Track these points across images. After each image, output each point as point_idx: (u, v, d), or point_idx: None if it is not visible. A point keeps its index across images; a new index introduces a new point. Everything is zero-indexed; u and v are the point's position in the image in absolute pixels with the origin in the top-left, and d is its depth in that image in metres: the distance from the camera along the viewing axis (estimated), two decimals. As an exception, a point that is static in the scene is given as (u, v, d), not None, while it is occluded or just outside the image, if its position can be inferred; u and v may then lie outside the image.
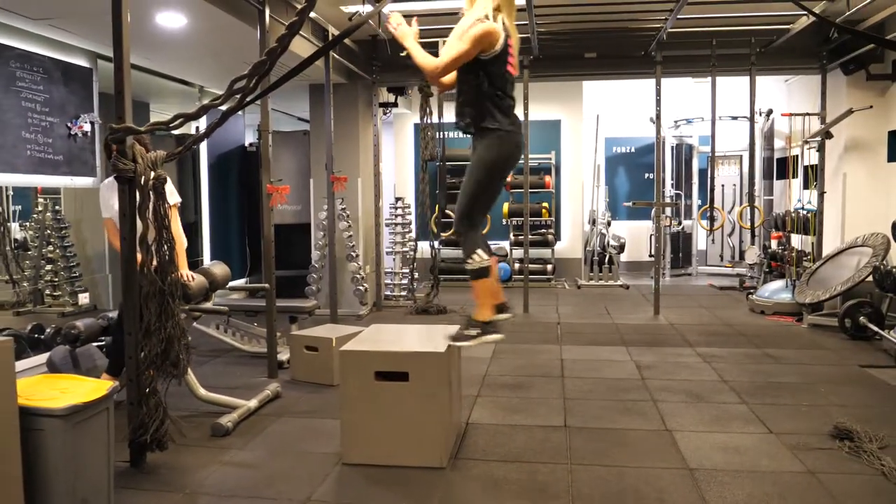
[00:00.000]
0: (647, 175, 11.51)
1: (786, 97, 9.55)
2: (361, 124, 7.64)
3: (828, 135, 7.01)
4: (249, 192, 8.75)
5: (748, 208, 7.46)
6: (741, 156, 10.84)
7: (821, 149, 7.23)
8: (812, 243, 7.39)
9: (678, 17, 5.85)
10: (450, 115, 7.55)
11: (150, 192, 3.10)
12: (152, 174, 3.11)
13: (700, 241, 11.23)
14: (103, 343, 4.41)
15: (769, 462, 3.34)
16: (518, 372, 5.04)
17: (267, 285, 4.42)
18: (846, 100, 7.06)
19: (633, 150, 11.47)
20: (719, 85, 10.35)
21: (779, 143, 10.02)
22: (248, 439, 3.69)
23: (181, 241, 3.91)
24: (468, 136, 3.32)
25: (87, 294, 6.14)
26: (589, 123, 10.59)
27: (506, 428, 3.83)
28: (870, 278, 6.19)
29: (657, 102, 7.07)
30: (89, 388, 2.53)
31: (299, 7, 5.56)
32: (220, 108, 3.14)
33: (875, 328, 5.77)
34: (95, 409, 2.47)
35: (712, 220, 7.25)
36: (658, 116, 7.11)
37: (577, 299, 8.57)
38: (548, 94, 9.52)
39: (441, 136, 7.34)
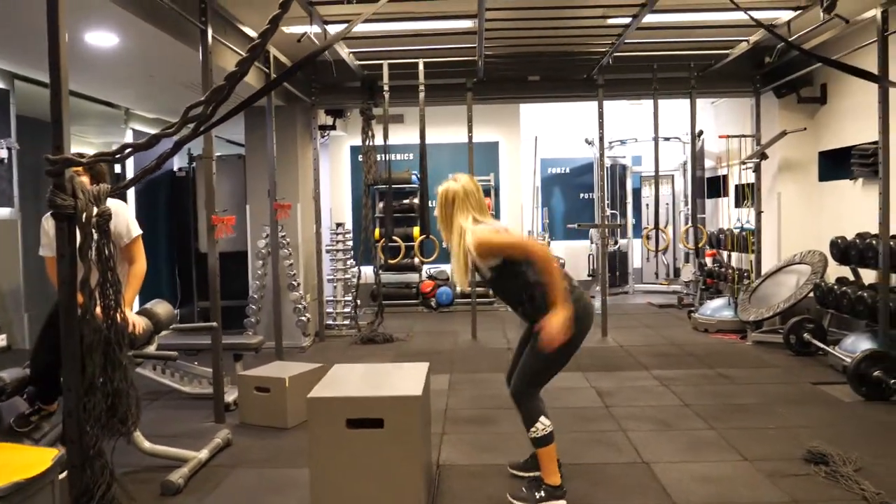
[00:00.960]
0: (581, 195, 11.62)
1: (713, 119, 9.82)
2: (300, 148, 7.37)
3: (763, 156, 7.20)
4: (179, 220, 8.31)
5: (691, 228, 7.55)
6: (672, 175, 11.09)
7: (756, 169, 7.41)
8: (750, 261, 7.54)
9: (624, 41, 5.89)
10: (393, 136, 7.41)
11: (94, 230, 2.79)
12: (95, 210, 2.80)
13: (636, 259, 11.39)
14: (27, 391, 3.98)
15: (750, 492, 3.27)
16: (479, 404, 4.86)
17: (215, 324, 4.10)
18: (778, 122, 7.28)
19: (567, 170, 11.57)
20: (651, 108, 10.66)
21: (709, 163, 10.28)
22: (201, 496, 3.37)
23: (139, 277, 3.62)
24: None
25: (2, 336, 5.62)
26: (526, 145, 10.60)
27: (479, 468, 3.64)
28: (811, 295, 6.35)
29: (599, 125, 7.11)
30: (28, 460, 2.20)
31: (240, 27, 5.32)
32: (172, 136, 2.86)
33: (819, 344, 5.89)
34: (40, 484, 2.15)
35: (658, 240, 7.30)
36: (601, 139, 7.16)
37: (512, 320, 8.46)
38: (486, 116, 9.46)
39: (386, 159, 7.13)
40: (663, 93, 7.08)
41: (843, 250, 6.00)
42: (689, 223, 10.09)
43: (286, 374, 4.38)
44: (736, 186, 9.18)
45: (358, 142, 10.02)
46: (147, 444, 3.57)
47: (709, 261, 9.43)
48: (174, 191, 8.17)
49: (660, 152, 10.93)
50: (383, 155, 7.33)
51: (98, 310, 2.85)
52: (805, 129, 7.04)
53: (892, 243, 5.46)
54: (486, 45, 5.93)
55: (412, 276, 9.75)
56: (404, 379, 3.28)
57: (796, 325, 6.13)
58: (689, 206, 10.42)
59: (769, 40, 6.21)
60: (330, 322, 7.76)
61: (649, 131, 10.64)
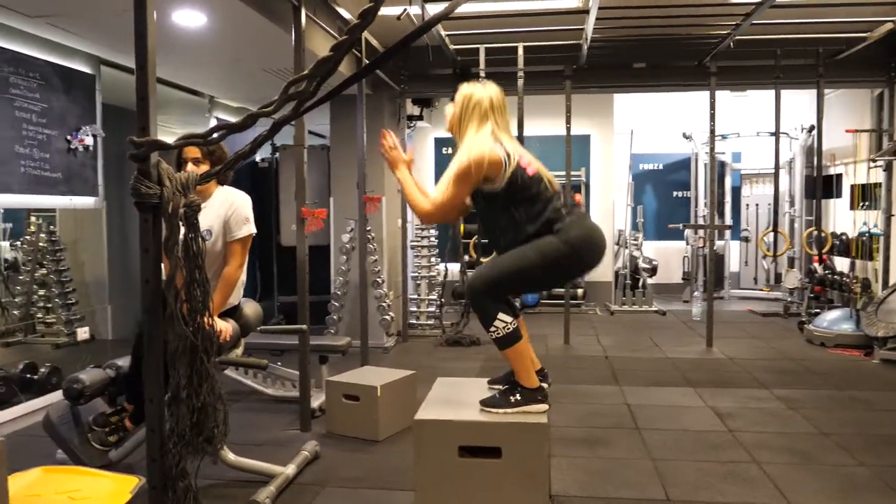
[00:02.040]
0: (675, 193, 10.95)
1: (825, 112, 8.99)
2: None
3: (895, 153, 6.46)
4: (260, 213, 8.11)
5: (814, 232, 6.84)
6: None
7: (888, 168, 6.66)
8: (875, 269, 6.80)
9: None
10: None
11: (181, 223, 2.46)
12: (183, 200, 2.48)
13: (733, 262, 10.65)
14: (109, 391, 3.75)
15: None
16: (585, 422, 4.39)
17: (304, 326, 3.78)
18: (912, 114, 6.52)
19: (660, 167, 10.91)
20: (756, 99, 9.91)
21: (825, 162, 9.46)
22: (290, 520, 3.05)
23: (232, 281, 3.31)
24: None
25: (86, 328, 5.48)
26: (619, 139, 10.01)
27: (598, 501, 3.19)
28: (956, 310, 5.62)
29: (711, 117, 6.50)
30: (107, 490, 1.89)
31: (334, 6, 4.99)
32: (270, 116, 2.51)
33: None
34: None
35: (776, 243, 6.64)
36: (712, 132, 6.54)
37: (614, 327, 7.95)
38: (577, 107, 8.90)
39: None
40: (786, 82, 6.40)
41: None
42: (811, 226, 9.41)
43: (378, 383, 4.02)
44: (852, 186, 8.40)
45: (442, 133, 9.77)
46: (231, 456, 3.26)
47: (819, 267, 8.67)
48: (256, 183, 7.96)
49: (762, 148, 10.29)
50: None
51: (184, 313, 2.53)
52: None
53: None
54: (595, 27, 5.41)
55: (495, 275, 9.31)
56: (520, 400, 2.86)
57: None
58: (796, 208, 9.69)
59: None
60: (413, 321, 7.41)
61: (752, 125, 9.99)
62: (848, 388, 5.17)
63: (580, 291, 9.14)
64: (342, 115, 6.71)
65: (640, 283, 9.45)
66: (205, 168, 3.29)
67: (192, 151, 3.33)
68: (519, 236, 2.80)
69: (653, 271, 9.71)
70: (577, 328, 7.65)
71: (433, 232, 7.65)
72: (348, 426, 4.05)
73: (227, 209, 3.38)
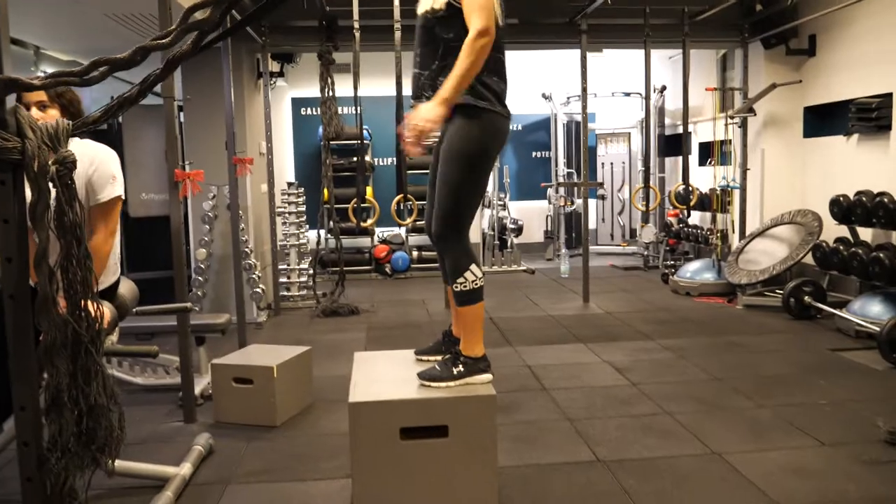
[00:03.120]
0: (534, 153, 11.09)
1: (671, 74, 9.42)
2: (247, 97, 6.44)
3: (751, 110, 6.81)
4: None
5: (681, 187, 7.09)
6: (629, 133, 10.69)
7: (743, 125, 7.04)
8: (732, 221, 7.22)
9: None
10: (339, 87, 6.55)
11: (52, 184, 1.97)
12: (53, 155, 1.98)
13: (591, 220, 10.99)
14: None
15: (856, 486, 2.82)
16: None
17: (188, 304, 3.29)
18: (764, 74, 6.90)
19: (519, 127, 10.98)
20: (610, 60, 10.17)
21: (668, 122, 9.95)
22: (195, 527, 2.64)
23: (103, 253, 2.73)
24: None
25: None
26: (482, 99, 9.90)
27: (531, 470, 3.04)
28: (808, 256, 6.06)
29: (582, 76, 6.52)
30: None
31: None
32: (166, 50, 2.04)
33: (825, 307, 5.60)
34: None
35: (648, 198, 6.82)
36: (584, 91, 6.57)
37: (489, 288, 7.74)
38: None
39: (358, 111, 6.31)
40: (655, 41, 6.52)
41: (847, 209, 5.69)
42: (663, 183, 9.84)
43: (272, 362, 3.63)
44: (700, 144, 8.86)
45: (301, 93, 9.20)
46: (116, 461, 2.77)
47: (672, 221, 9.13)
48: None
49: (618, 108, 10.63)
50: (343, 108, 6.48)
51: (61, 297, 2.05)
52: (801, 81, 6.68)
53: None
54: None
55: (363, 241, 8.99)
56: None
57: (796, 287, 5.81)
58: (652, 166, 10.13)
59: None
60: (284, 293, 6.94)
61: (607, 85, 10.29)
62: (723, 334, 5.42)
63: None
64: (194, 69, 6.04)
65: (508, 244, 9.50)
66: (54, 114, 2.70)
67: (36, 94, 2.69)
68: (465, 99, 2.42)
69: (519, 231, 9.81)
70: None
71: (301, 199, 7.17)
72: (241, 413, 3.63)
73: (86, 167, 2.73)
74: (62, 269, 2.02)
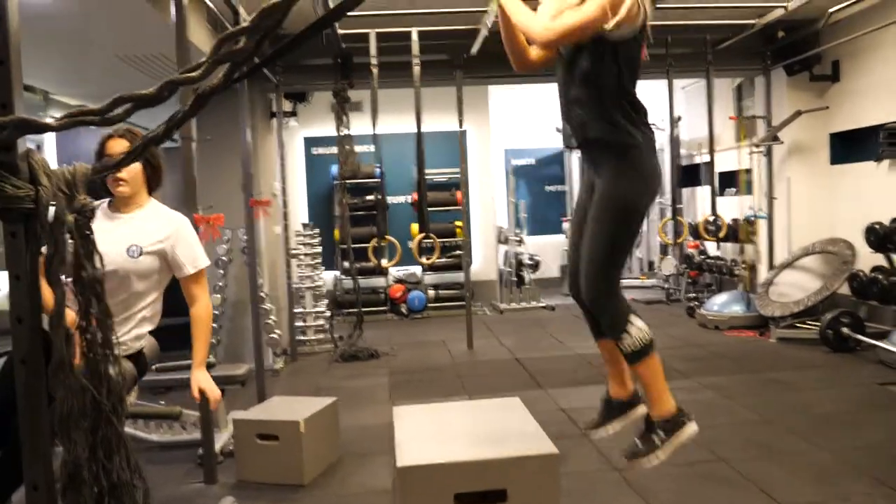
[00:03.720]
0: (547, 187, 10.94)
1: (685, 104, 9.30)
2: (260, 137, 6.31)
3: (776, 139, 6.64)
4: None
5: (710, 217, 6.87)
6: (643, 164, 10.53)
7: (768, 153, 6.86)
8: (758, 252, 7.01)
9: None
10: (359, 125, 6.43)
11: (70, 236, 1.78)
12: (69, 204, 1.79)
13: (607, 253, 10.79)
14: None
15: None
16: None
17: (212, 359, 3.09)
18: (787, 101, 6.75)
19: (533, 161, 10.85)
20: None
21: (684, 152, 9.79)
22: None
23: (207, 323, 2.66)
24: (570, 150, 2.31)
25: None
26: (495, 134, 9.80)
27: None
28: (844, 286, 5.83)
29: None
30: None
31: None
32: (194, 84, 1.87)
33: (865, 339, 5.36)
34: None
35: (676, 230, 6.63)
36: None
37: (508, 326, 7.68)
38: (453, 101, 8.62)
39: (375, 149, 6.20)
40: (678, 70, 6.37)
41: (883, 237, 5.48)
42: (678, 214, 9.63)
43: (299, 417, 3.40)
44: (720, 174, 8.69)
45: (313, 132, 9.08)
46: (134, 535, 2.54)
47: (694, 252, 8.92)
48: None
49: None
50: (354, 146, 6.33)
51: (78, 358, 1.85)
52: (828, 107, 6.51)
53: (948, 225, 4.98)
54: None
55: (378, 281, 8.78)
56: (512, 424, 2.41)
57: (834, 319, 5.57)
58: (666, 197, 9.95)
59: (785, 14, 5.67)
60: (300, 337, 6.73)
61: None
62: (762, 371, 5.18)
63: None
64: (209, 108, 5.91)
65: (525, 280, 9.29)
66: (136, 170, 2.55)
67: (119, 144, 2.52)
68: (618, 136, 2.17)
69: (535, 266, 9.60)
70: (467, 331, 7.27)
71: (316, 240, 6.99)
72: (266, 471, 3.39)
73: (170, 231, 2.61)
74: (80, 330, 1.83)
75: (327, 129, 8.98)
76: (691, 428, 2.25)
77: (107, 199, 2.62)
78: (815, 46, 6.39)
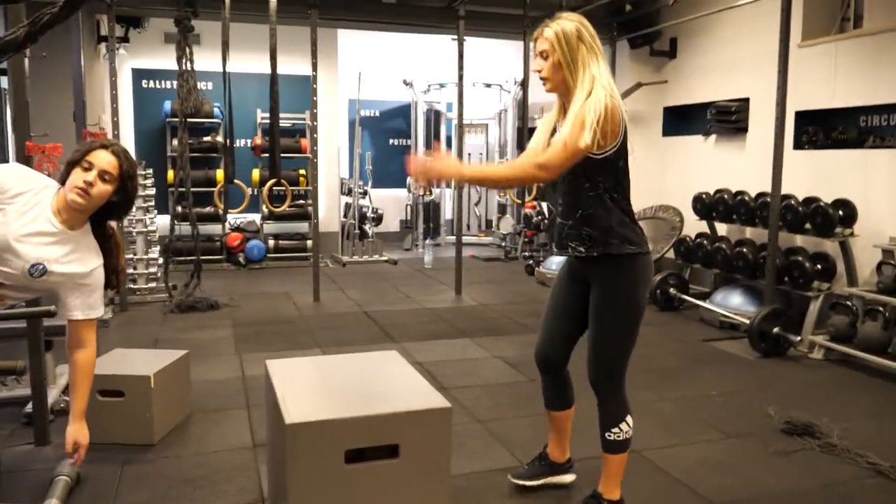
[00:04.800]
0: (392, 141, 10.84)
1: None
2: (87, 65, 5.62)
3: (616, 106, 6.99)
4: None
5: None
6: (487, 124, 10.75)
7: (609, 120, 7.21)
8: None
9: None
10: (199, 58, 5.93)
11: None
12: None
13: (447, 211, 10.95)
14: None
15: (777, 480, 2.88)
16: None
17: (52, 308, 2.69)
18: (629, 73, 7.13)
19: (377, 113, 10.68)
20: (472, 49, 10.10)
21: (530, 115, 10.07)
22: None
23: (91, 372, 2.40)
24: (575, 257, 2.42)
25: None
26: (343, 82, 9.50)
27: (462, 481, 2.81)
28: (670, 251, 6.34)
29: (459, 65, 6.36)
30: None
31: None
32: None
33: (690, 299, 5.87)
34: None
35: (524, 192, 6.81)
36: (460, 79, 6.43)
37: (352, 279, 7.57)
38: (300, 44, 8.20)
39: (225, 85, 5.73)
40: (531, 32, 6.46)
41: (709, 206, 6.00)
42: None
43: (148, 371, 3.12)
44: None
45: (143, 63, 8.29)
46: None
47: (532, 213, 9.28)
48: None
49: (478, 99, 10.61)
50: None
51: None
52: (667, 81, 6.95)
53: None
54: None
55: (214, 228, 8.29)
56: (397, 378, 2.35)
57: (663, 280, 6.05)
58: (508, 157, 10.23)
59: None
60: (131, 286, 6.19)
61: (468, 76, 10.23)
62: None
63: (309, 243, 8.58)
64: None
65: (368, 233, 9.20)
66: (106, 191, 2.12)
67: (108, 163, 2.13)
68: (609, 247, 2.29)
69: (378, 220, 9.53)
70: (310, 282, 7.09)
71: (149, 181, 6.42)
72: (109, 431, 3.07)
73: (85, 272, 2.23)
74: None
75: (159, 61, 8.25)
76: None
77: (52, 186, 2.18)
78: (656, 23, 6.79)
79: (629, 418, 2.43)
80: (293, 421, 1.94)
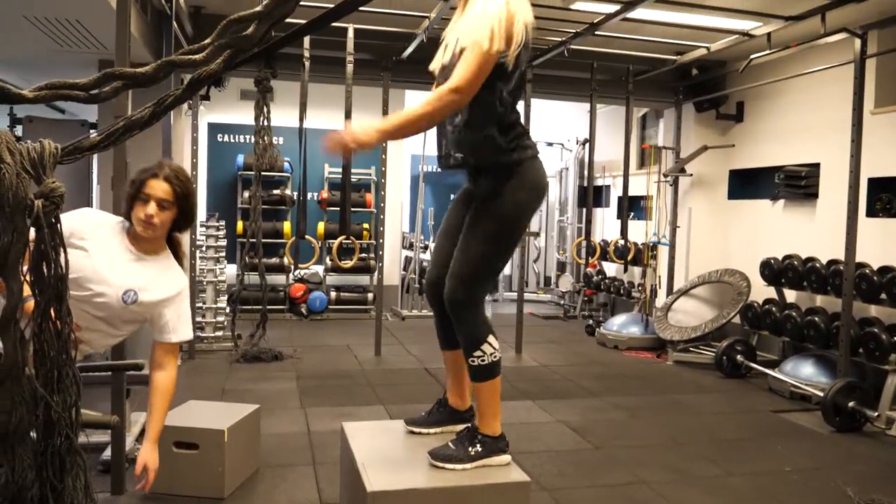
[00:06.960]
0: (452, 196, 10.95)
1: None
2: (174, 120, 5.92)
3: (683, 170, 6.98)
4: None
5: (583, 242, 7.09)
6: (549, 182, 10.79)
7: (675, 183, 7.20)
8: (658, 276, 7.33)
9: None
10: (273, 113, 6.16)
11: (36, 223, 1.57)
12: (35, 186, 1.58)
13: (506, 266, 10.95)
14: None
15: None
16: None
17: (141, 361, 2.82)
18: (693, 136, 7.12)
19: (439, 169, 10.83)
20: (535, 110, 10.27)
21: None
22: None
23: (171, 396, 2.38)
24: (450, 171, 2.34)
25: None
26: (411, 138, 9.72)
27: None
28: (736, 316, 6.20)
29: (527, 124, 6.45)
30: None
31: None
32: (196, 68, 1.69)
33: (758, 367, 5.70)
34: None
35: (588, 250, 6.80)
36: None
37: (412, 334, 7.61)
38: (369, 103, 8.46)
39: (302, 141, 5.96)
40: (601, 95, 6.56)
41: (777, 272, 5.88)
42: (581, 235, 9.92)
43: (222, 424, 3.19)
44: (619, 198, 9.04)
45: (218, 118, 8.67)
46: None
47: (592, 272, 9.22)
48: None
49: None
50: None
51: (30, 364, 1.64)
52: (733, 145, 6.91)
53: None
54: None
55: (278, 279, 8.48)
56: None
57: (729, 346, 5.91)
58: (568, 215, 10.25)
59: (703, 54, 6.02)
60: (198, 334, 6.36)
61: (533, 134, 10.36)
62: (665, 392, 5.40)
63: (370, 296, 8.71)
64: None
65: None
66: (168, 216, 2.26)
67: (162, 190, 2.25)
68: (500, 157, 2.22)
69: (439, 275, 9.59)
70: (373, 336, 7.16)
71: (221, 231, 6.65)
72: (182, 483, 3.15)
73: (172, 294, 2.33)
74: (37, 333, 1.62)
75: (235, 115, 8.62)
76: (506, 457, 2.32)
77: (124, 221, 2.34)
78: (723, 88, 6.79)
79: (492, 338, 2.28)
80: (374, 489, 1.96)
